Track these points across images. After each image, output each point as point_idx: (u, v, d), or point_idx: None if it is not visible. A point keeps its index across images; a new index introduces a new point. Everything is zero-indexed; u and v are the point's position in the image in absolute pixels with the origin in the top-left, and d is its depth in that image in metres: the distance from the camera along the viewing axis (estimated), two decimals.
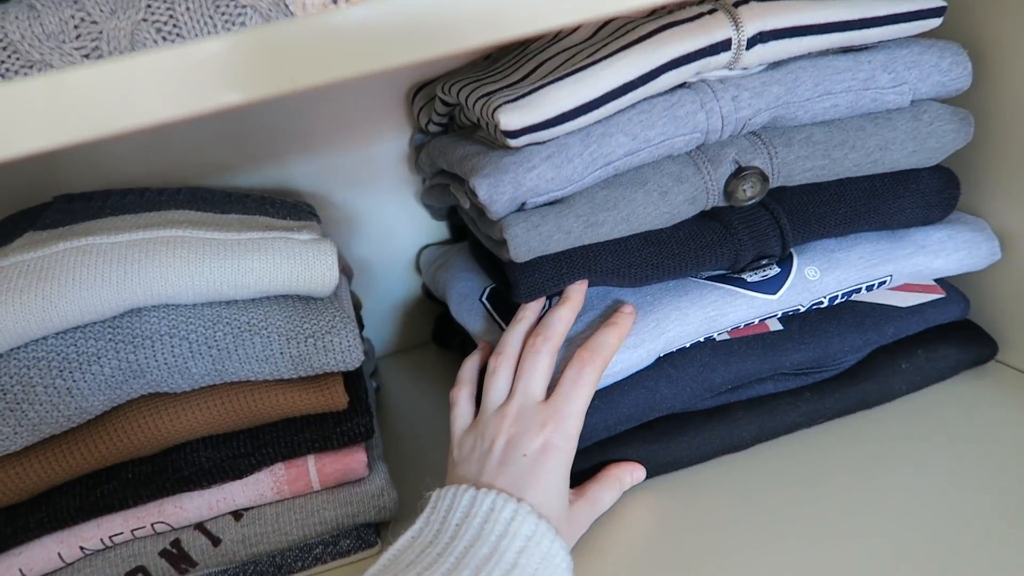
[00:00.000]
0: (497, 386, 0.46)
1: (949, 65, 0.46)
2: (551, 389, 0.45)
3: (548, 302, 0.50)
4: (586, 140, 0.44)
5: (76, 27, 0.37)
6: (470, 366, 0.51)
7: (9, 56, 0.36)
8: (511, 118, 0.42)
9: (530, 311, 0.49)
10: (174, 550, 0.46)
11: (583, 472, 0.47)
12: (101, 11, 0.37)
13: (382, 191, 0.72)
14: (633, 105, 0.45)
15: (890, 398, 0.52)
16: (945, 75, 0.47)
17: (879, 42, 0.47)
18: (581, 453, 0.48)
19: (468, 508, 0.39)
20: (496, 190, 0.44)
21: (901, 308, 0.51)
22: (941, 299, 0.51)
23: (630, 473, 0.48)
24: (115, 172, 0.64)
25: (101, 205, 0.49)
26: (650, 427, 0.49)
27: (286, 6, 0.36)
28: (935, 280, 0.53)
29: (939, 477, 0.45)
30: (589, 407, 0.47)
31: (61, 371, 0.41)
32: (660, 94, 0.45)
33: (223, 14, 0.37)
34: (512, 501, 0.39)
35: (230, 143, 0.66)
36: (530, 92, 0.43)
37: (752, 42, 0.43)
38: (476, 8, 0.26)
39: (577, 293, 0.47)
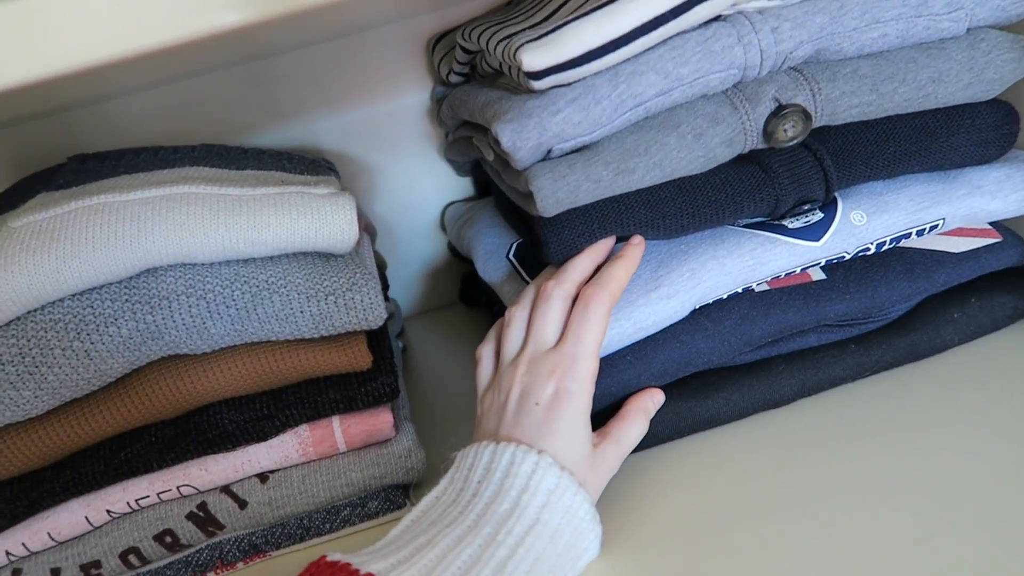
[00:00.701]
0: (511, 336, 0.45)
1: None
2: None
3: None
4: (614, 80, 0.41)
5: None
6: (495, 327, 0.49)
7: None
8: (534, 58, 0.40)
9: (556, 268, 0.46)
10: (201, 513, 0.45)
11: None
12: None
13: (405, 148, 0.70)
14: (664, 41, 0.42)
15: (941, 349, 0.49)
16: None
17: None
18: (613, 410, 0.46)
19: (488, 463, 0.38)
20: (520, 136, 0.41)
21: (954, 254, 0.47)
22: (997, 243, 0.48)
23: (651, 399, 0.45)
24: (133, 133, 0.63)
25: (115, 164, 0.48)
26: (685, 383, 0.47)
27: None
28: (991, 224, 0.49)
29: (994, 432, 0.42)
30: (621, 362, 0.45)
31: (79, 333, 0.40)
32: (693, 29, 0.42)
33: None
34: (532, 453, 0.38)
35: (249, 101, 0.64)
36: (554, 30, 0.41)
37: None
38: None
39: (603, 244, 0.45)
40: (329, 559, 0.34)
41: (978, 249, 0.48)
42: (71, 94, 0.48)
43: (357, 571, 0.33)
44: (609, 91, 0.41)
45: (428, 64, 0.67)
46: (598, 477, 0.41)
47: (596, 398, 0.44)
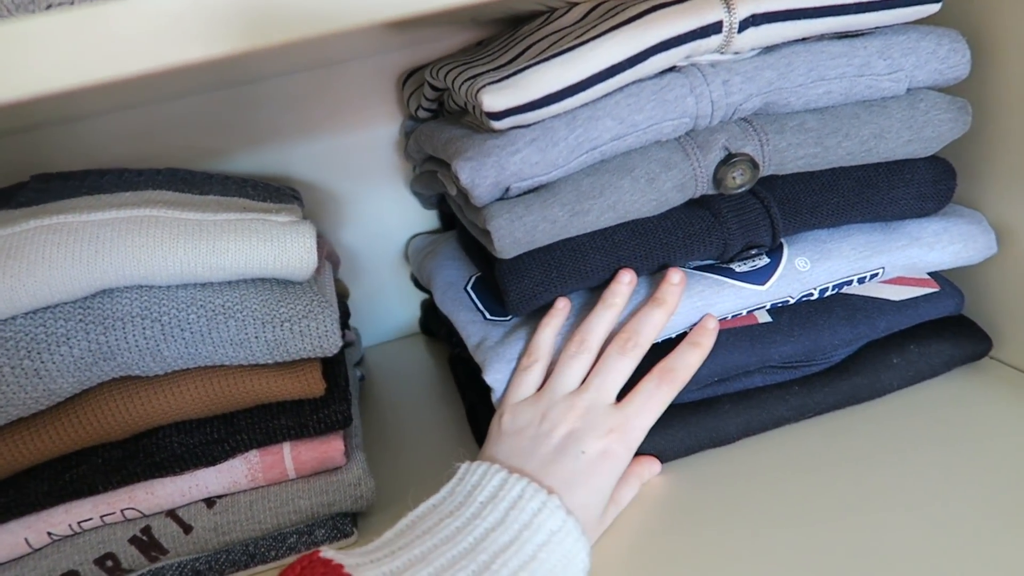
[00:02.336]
0: (573, 372, 0.45)
1: (947, 52, 0.45)
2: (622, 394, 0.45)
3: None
4: (572, 124, 0.43)
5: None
6: (548, 335, 0.47)
7: None
8: (495, 99, 0.41)
9: (619, 297, 0.46)
10: (144, 537, 0.45)
11: None
12: None
13: (373, 179, 0.71)
14: (621, 88, 0.44)
15: (881, 393, 0.50)
16: (943, 63, 0.45)
17: (875, 28, 0.45)
18: None
19: (496, 489, 0.38)
20: (479, 174, 0.43)
21: (894, 302, 0.49)
22: (935, 293, 0.50)
23: (648, 468, 0.47)
24: (102, 154, 0.63)
25: (78, 184, 0.48)
26: None
27: None
28: (929, 274, 0.51)
29: (930, 475, 0.44)
30: None
31: (29, 352, 0.40)
32: (649, 78, 0.44)
33: None
34: (542, 492, 0.38)
35: (218, 127, 0.65)
36: (515, 73, 0.42)
37: (744, 25, 0.42)
38: None
39: (672, 296, 0.46)
40: (322, 555, 0.34)
41: (917, 298, 0.50)
42: (39, 114, 0.49)
43: None
44: (567, 134, 0.43)
45: (399, 99, 0.69)
46: (597, 532, 0.42)
47: None
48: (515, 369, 0.47)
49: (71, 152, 0.62)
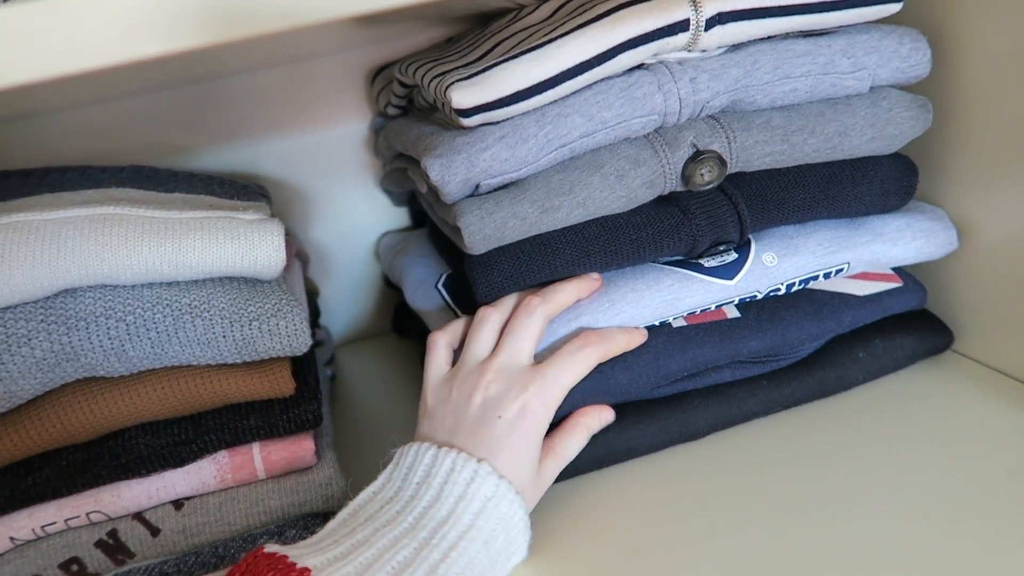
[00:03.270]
0: (483, 338, 0.44)
1: (909, 51, 0.46)
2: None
3: None
4: (541, 121, 0.43)
5: None
6: (461, 322, 0.48)
7: None
8: (463, 96, 0.41)
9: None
10: (111, 540, 0.44)
11: None
12: None
13: (342, 176, 0.70)
14: (589, 86, 0.44)
15: (847, 387, 0.51)
16: (904, 61, 0.46)
17: (839, 27, 0.46)
18: None
19: (429, 467, 0.39)
20: (448, 171, 0.43)
21: (859, 296, 0.50)
22: (898, 288, 0.51)
23: (597, 417, 0.46)
24: (63, 151, 0.62)
25: (39, 182, 0.47)
26: None
27: None
28: (893, 269, 0.52)
29: (895, 467, 0.45)
30: None
31: None
32: (617, 75, 0.44)
33: None
34: (472, 461, 0.38)
35: (184, 124, 0.64)
36: (484, 70, 0.42)
37: (711, 23, 0.42)
38: None
39: (587, 278, 0.46)
40: (267, 551, 0.34)
41: (881, 293, 0.51)
42: None
43: (294, 564, 0.33)
44: (536, 131, 0.43)
45: (368, 95, 0.68)
46: (537, 489, 0.42)
47: None
48: (427, 347, 0.47)
49: (31, 149, 0.61)
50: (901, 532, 0.40)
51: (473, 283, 0.46)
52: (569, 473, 0.47)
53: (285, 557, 0.33)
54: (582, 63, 0.42)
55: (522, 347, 0.43)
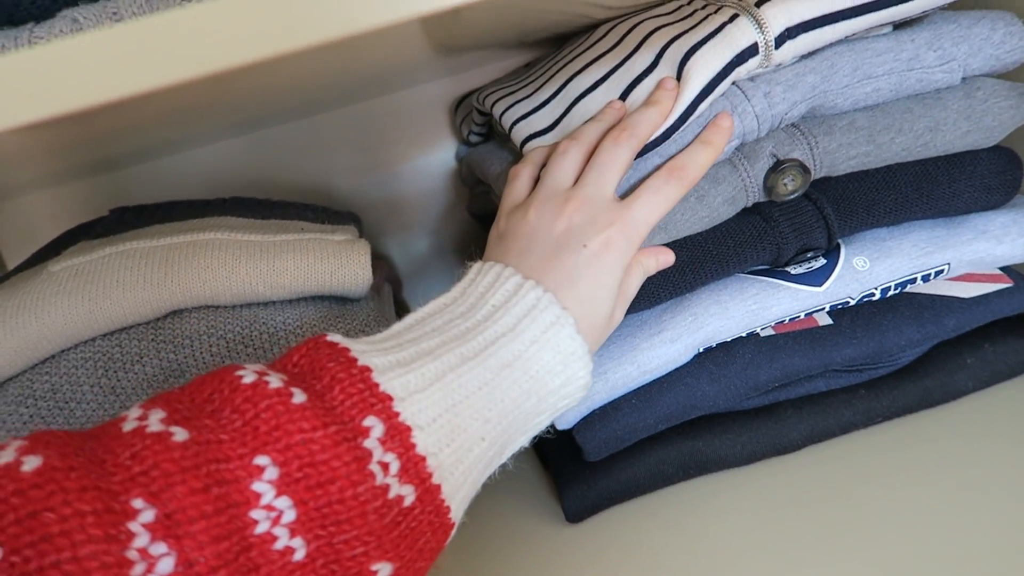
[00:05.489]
0: (565, 167, 0.41)
1: (1002, 37, 0.44)
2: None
3: None
4: None
5: None
6: (540, 150, 0.45)
7: None
8: (523, 132, 0.42)
9: (612, 112, 0.44)
10: None
11: (625, 478, 0.46)
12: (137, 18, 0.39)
13: (431, 202, 0.73)
14: None
15: (955, 396, 0.48)
16: (998, 48, 0.44)
17: (922, 17, 0.44)
18: (621, 455, 0.47)
19: (510, 295, 0.36)
20: None
21: (963, 299, 0.47)
22: (1008, 288, 0.48)
23: (655, 257, 0.43)
24: (175, 191, 0.67)
25: (151, 215, 0.51)
26: (693, 425, 0.47)
27: None
28: (1001, 268, 0.49)
29: (1009, 481, 0.42)
30: (626, 406, 0.45)
31: (107, 371, 0.43)
32: None
33: None
34: (556, 307, 0.35)
35: (283, 156, 0.68)
36: (544, 104, 0.43)
37: (780, 40, 0.41)
38: None
39: (666, 97, 0.42)
40: (329, 338, 0.32)
41: (989, 294, 0.47)
42: (119, 149, 0.52)
43: (355, 360, 0.31)
44: None
45: (452, 125, 0.71)
46: (607, 329, 0.39)
47: (600, 444, 0.45)
48: (507, 179, 0.44)
49: (148, 188, 0.66)
50: (1016, 554, 0.37)
51: None
52: (658, 482, 0.46)
53: (347, 350, 0.31)
54: (667, 130, 0.42)
55: (608, 179, 0.40)
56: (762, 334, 0.47)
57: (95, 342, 0.43)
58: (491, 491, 0.51)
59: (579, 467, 0.47)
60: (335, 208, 0.59)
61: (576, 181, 0.41)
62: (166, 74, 0.25)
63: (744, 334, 0.47)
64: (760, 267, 0.48)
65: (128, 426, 0.27)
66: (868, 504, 0.42)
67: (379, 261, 0.59)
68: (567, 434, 0.47)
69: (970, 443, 0.45)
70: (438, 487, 0.30)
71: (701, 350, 0.46)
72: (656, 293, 0.45)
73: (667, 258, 0.44)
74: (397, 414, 0.30)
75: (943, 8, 0.46)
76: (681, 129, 0.42)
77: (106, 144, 0.47)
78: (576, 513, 0.47)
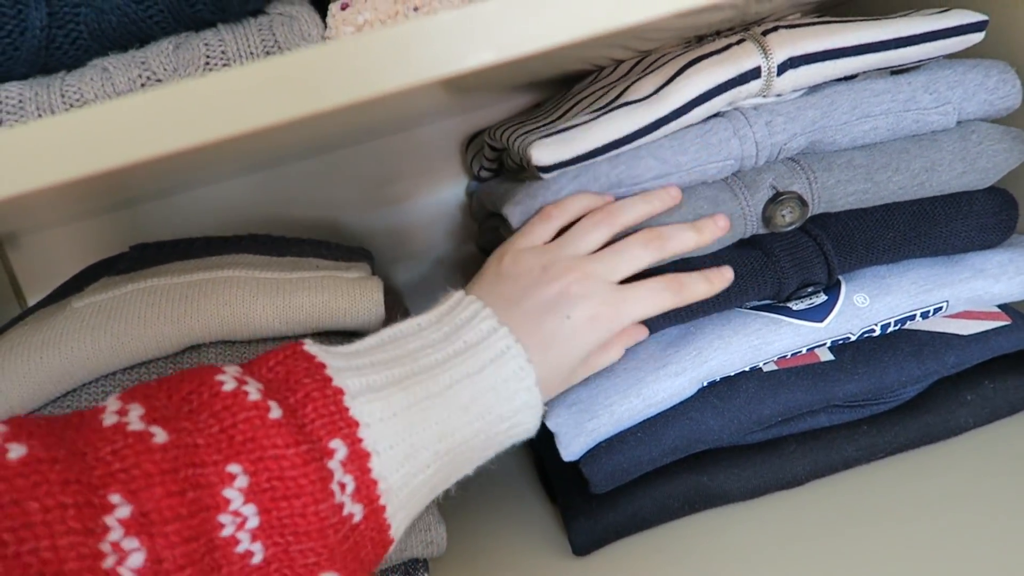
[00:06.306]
0: (589, 238, 0.43)
1: (996, 83, 0.45)
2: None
3: None
4: (614, 161, 0.45)
5: (142, 85, 0.41)
6: (584, 201, 0.45)
7: None
8: (543, 153, 0.44)
9: (659, 201, 0.45)
10: None
11: (631, 512, 0.47)
12: (164, 69, 0.41)
13: (442, 238, 0.74)
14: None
15: (956, 432, 0.49)
16: (992, 93, 0.45)
17: (919, 62, 0.46)
18: (627, 489, 0.47)
19: (482, 336, 0.37)
20: (527, 216, 0.45)
21: (962, 336, 0.48)
22: (1007, 326, 0.49)
23: (634, 335, 0.45)
24: (193, 227, 0.69)
25: (171, 252, 0.53)
26: (698, 459, 0.48)
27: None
28: (1000, 306, 0.50)
29: (1011, 517, 0.42)
30: (632, 439, 0.46)
31: None
32: (694, 123, 0.45)
33: None
34: (520, 359, 0.37)
35: (295, 193, 0.70)
36: (564, 129, 0.45)
37: (783, 68, 0.43)
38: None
39: (709, 230, 0.44)
40: (306, 349, 0.33)
41: (987, 332, 0.48)
42: (139, 190, 0.54)
43: (330, 380, 0.32)
44: (608, 170, 0.45)
45: (463, 161, 0.73)
46: (559, 390, 0.42)
47: (607, 476, 0.46)
48: (532, 216, 0.45)
49: (164, 225, 0.68)
50: None
51: None
52: (664, 516, 0.47)
53: (323, 366, 0.33)
54: (658, 119, 0.44)
55: (620, 270, 0.42)
56: (765, 369, 0.48)
57: (115, 376, 0.45)
58: (500, 524, 0.52)
59: (586, 501, 0.48)
60: (348, 244, 0.61)
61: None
62: (191, 136, 0.26)
63: (747, 369, 0.48)
64: (762, 303, 0.49)
65: (108, 420, 0.29)
66: (871, 539, 0.43)
67: (391, 297, 0.61)
68: (574, 467, 0.47)
69: (971, 479, 0.46)
70: (384, 507, 0.33)
71: (705, 384, 0.47)
72: (661, 321, 0.46)
73: (643, 333, 0.46)
74: (360, 440, 0.32)
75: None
76: (669, 128, 0.44)
77: (126, 188, 0.49)
78: (583, 546, 0.47)
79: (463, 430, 0.35)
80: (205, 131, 0.26)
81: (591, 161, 0.44)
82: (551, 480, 0.53)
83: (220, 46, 0.40)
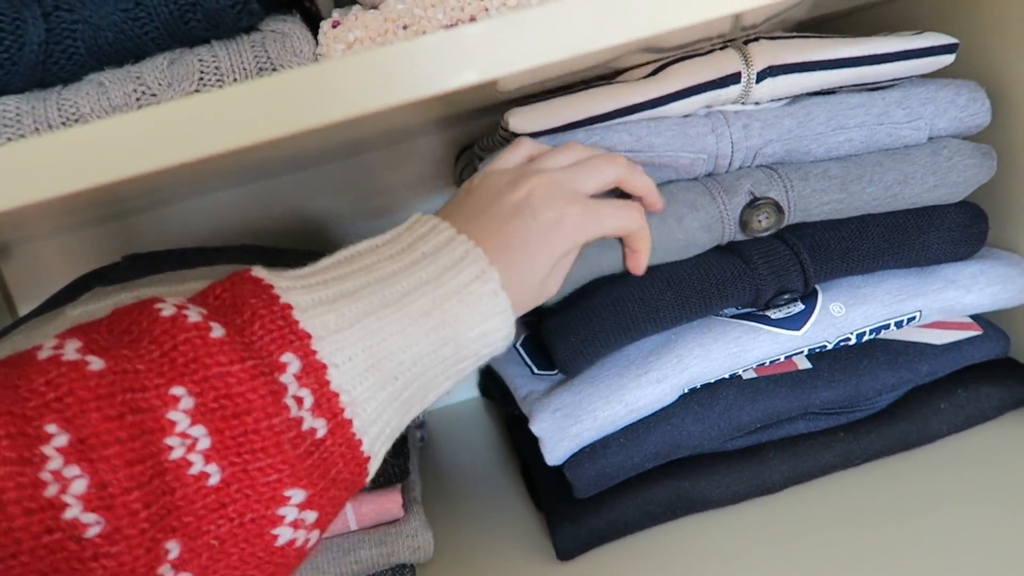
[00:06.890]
0: (562, 158, 0.42)
1: (966, 101, 0.47)
2: None
3: None
4: (589, 131, 0.46)
5: (138, 99, 0.42)
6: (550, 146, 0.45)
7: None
8: (521, 121, 0.45)
9: (636, 169, 0.44)
10: None
11: (614, 518, 0.48)
12: (159, 84, 0.42)
13: None
14: None
15: (930, 439, 0.50)
16: (962, 111, 0.47)
17: (893, 80, 0.48)
18: (610, 495, 0.48)
19: (441, 245, 0.36)
20: None
21: (936, 346, 0.50)
22: (978, 336, 0.50)
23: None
24: (184, 237, 0.70)
25: (163, 262, 0.54)
26: (679, 466, 0.49)
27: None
28: (972, 317, 0.52)
29: (984, 522, 0.43)
30: (615, 444, 0.47)
31: None
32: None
33: None
34: (482, 262, 0.36)
35: (284, 204, 0.71)
36: (541, 101, 0.46)
37: (762, 76, 0.45)
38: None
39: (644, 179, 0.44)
40: (254, 273, 0.33)
41: (960, 341, 0.50)
42: (130, 201, 0.55)
43: (277, 297, 0.31)
44: (583, 139, 0.46)
45: (453, 173, 0.74)
46: (537, 299, 0.40)
47: (590, 480, 0.47)
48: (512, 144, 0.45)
49: (159, 234, 0.69)
50: None
51: (553, 350, 0.48)
52: (646, 522, 0.48)
53: (271, 286, 0.32)
54: (635, 104, 0.45)
55: (588, 182, 0.41)
56: (744, 376, 0.49)
57: None
58: (486, 529, 0.53)
59: (570, 506, 0.49)
60: None
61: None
62: (185, 152, 0.27)
63: (727, 376, 0.49)
64: (742, 311, 0.50)
65: (43, 354, 0.28)
66: (848, 544, 0.44)
67: None
68: (559, 473, 0.49)
69: (945, 486, 0.47)
70: (349, 421, 0.31)
71: (686, 391, 0.48)
72: (642, 325, 0.47)
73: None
74: (315, 352, 0.31)
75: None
76: (644, 116, 0.46)
77: (118, 200, 0.50)
78: (566, 551, 0.48)
79: (428, 338, 0.34)
80: (198, 147, 0.27)
81: (566, 139, 0.45)
82: (536, 486, 0.54)
83: (214, 62, 0.41)
